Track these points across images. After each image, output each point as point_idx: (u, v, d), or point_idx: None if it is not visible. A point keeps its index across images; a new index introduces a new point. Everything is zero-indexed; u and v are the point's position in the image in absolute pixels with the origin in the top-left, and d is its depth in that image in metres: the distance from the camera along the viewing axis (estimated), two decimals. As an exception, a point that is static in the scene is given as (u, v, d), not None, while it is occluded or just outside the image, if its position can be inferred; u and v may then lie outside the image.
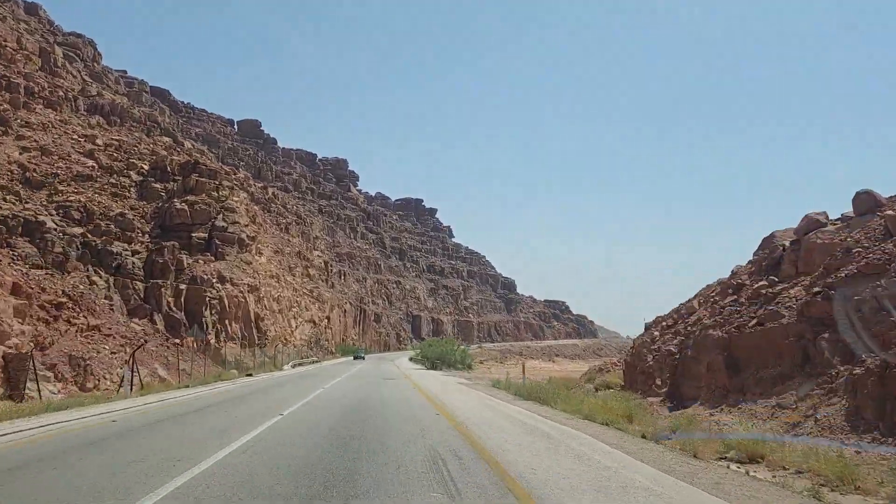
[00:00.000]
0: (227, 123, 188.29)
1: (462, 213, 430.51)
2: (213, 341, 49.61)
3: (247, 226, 72.16)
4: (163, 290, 45.12)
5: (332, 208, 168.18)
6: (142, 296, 44.90)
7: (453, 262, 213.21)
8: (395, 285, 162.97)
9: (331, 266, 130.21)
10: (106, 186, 73.32)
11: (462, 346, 59.15)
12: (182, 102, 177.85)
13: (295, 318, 77.87)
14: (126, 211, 67.88)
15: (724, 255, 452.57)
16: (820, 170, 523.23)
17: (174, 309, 45.94)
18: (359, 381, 29.42)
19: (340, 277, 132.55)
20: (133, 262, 45.99)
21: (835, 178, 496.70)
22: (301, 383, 26.69)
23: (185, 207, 67.41)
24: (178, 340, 44.78)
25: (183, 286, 48.41)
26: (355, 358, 78.32)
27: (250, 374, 33.80)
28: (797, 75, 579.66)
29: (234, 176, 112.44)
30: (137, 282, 45.26)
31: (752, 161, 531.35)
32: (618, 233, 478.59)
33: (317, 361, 68.20)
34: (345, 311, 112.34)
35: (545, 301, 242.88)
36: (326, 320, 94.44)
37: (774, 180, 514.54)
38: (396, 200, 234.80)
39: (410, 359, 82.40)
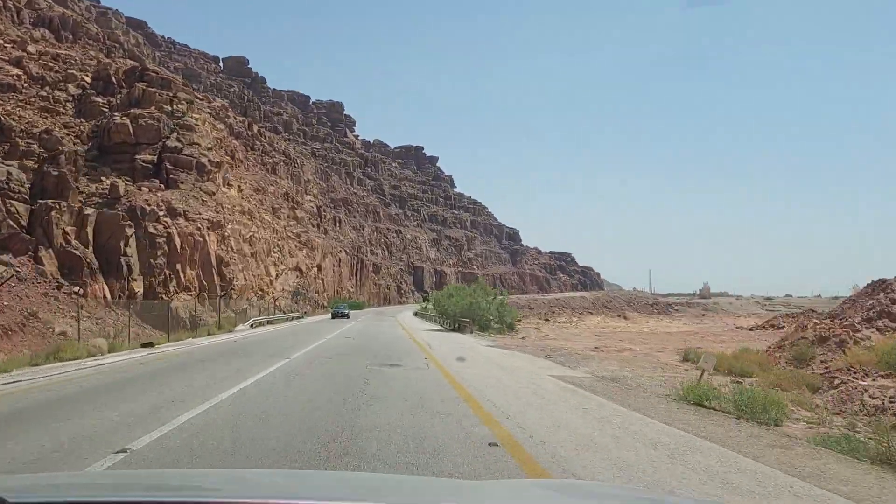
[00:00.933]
0: (212, 60, 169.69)
1: (463, 163, 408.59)
2: (140, 290, 34.22)
3: (210, 149, 56.09)
4: (54, 214, 29.50)
5: (326, 152, 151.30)
6: (24, 222, 29.42)
7: (456, 212, 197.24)
8: (395, 234, 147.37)
9: (324, 212, 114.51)
10: (33, 99, 57.17)
11: (500, 296, 42.06)
12: (162, 36, 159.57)
13: (276, 264, 62.51)
14: (55, 128, 52.04)
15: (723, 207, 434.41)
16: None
17: (75, 243, 30.45)
18: (319, 372, 13.21)
19: (335, 224, 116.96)
20: (9, 173, 30.15)
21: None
22: (171, 382, 11.11)
23: (128, 122, 51.37)
24: (77, 288, 29.38)
25: (90, 211, 32.67)
26: (335, 315, 55.02)
27: (150, 344, 18.60)
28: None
29: (209, 105, 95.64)
30: (18, 202, 29.70)
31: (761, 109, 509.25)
32: (622, 183, 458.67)
33: (299, 318, 53.05)
34: (339, 260, 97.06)
35: (550, 252, 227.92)
36: (317, 269, 79.20)
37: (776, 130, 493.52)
38: (396, 148, 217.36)
39: (416, 314, 67.49)
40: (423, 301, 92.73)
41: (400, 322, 43.29)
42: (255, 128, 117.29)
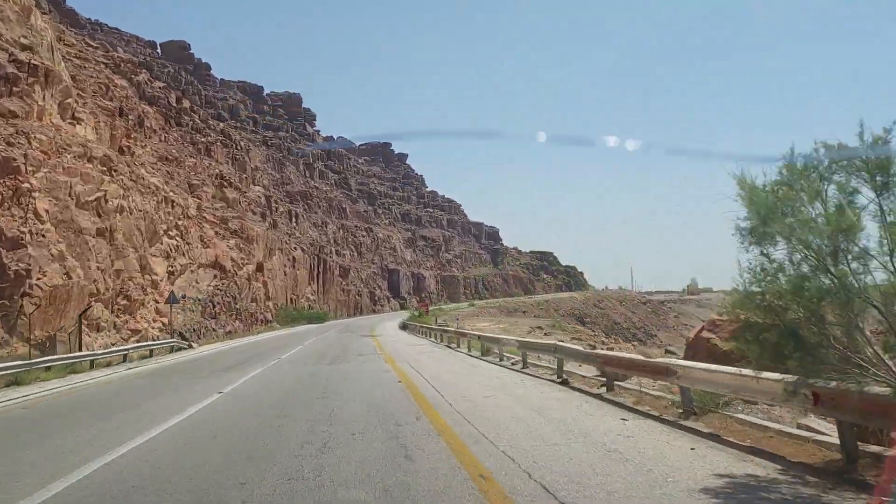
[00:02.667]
0: (148, 45, 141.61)
1: (434, 162, 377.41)
2: None
3: (28, 49, 29.76)
4: None
5: (280, 141, 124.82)
6: None
7: (431, 211, 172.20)
8: (365, 233, 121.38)
9: (276, 203, 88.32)
10: None
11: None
12: (88, 19, 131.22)
13: (171, 255, 36.31)
14: None
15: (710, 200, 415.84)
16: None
17: None
18: None
19: (291, 219, 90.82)
20: None
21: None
22: None
23: None
24: None
25: None
26: None
27: None
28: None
29: (104, 53, 69.28)
30: None
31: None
32: (599, 179, 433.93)
33: (181, 348, 26.98)
34: (293, 259, 70.87)
35: (531, 252, 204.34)
36: (255, 270, 53.00)
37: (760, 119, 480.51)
38: (361, 145, 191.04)
39: (404, 326, 42.36)
40: (415, 312, 67.63)
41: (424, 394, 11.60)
42: (187, 102, 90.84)
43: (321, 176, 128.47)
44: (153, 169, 45.34)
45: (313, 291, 78.75)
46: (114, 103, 50.64)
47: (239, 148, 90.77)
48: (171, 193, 38.23)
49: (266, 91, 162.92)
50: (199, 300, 37.68)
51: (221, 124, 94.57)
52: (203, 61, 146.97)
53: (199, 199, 51.33)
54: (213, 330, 38.05)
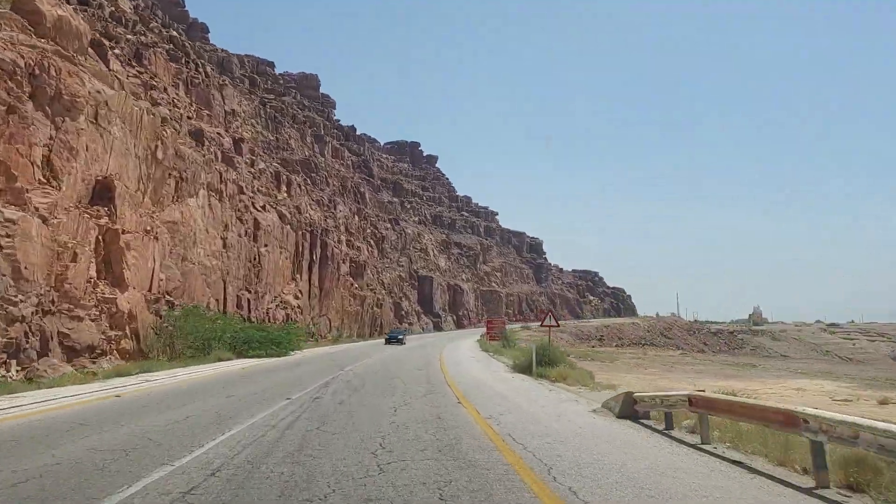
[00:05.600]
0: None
1: (465, 168, 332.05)
2: None
3: None
4: None
5: (284, 106, 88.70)
6: None
7: (465, 216, 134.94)
8: (389, 226, 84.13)
9: (254, 156, 51.51)
10: None
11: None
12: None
13: None
14: None
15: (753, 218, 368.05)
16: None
17: None
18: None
19: (280, 184, 54.17)
20: None
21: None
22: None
23: None
24: None
25: None
26: None
27: None
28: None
29: None
30: None
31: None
32: (639, 196, 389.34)
33: None
34: (254, 223, 33.67)
35: (573, 271, 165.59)
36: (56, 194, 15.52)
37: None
38: (387, 144, 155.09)
39: None
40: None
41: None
42: (127, 4, 55.54)
43: (335, 154, 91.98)
44: None
45: (299, 292, 41.00)
46: None
47: (200, 71, 54.53)
48: None
49: (278, 71, 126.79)
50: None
51: (173, 32, 58.53)
52: (200, 21, 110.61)
53: None
54: None
